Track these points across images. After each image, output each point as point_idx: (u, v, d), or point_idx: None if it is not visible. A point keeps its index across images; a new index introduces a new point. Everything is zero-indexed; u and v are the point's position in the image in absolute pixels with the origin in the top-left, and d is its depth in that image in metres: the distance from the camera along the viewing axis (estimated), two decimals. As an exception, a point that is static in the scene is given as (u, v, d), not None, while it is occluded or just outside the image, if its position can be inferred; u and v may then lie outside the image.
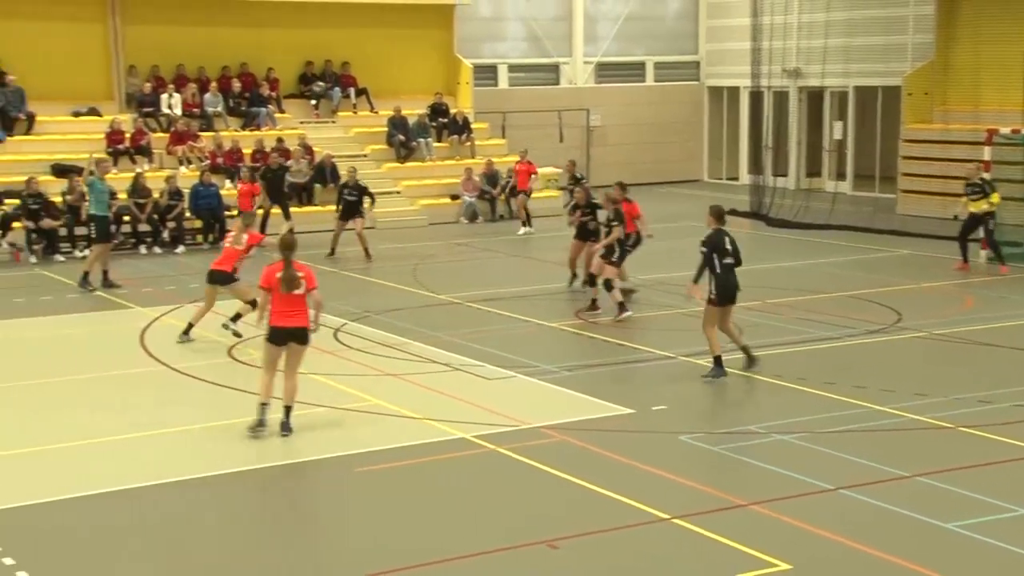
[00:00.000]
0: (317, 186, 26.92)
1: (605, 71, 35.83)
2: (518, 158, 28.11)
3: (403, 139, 29.34)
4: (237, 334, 15.39)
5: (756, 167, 30.72)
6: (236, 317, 15.47)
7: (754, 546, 8.87)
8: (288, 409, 11.58)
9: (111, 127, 26.43)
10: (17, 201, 23.06)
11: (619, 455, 11.15)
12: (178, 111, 27.82)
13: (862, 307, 17.65)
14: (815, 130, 33.97)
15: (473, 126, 30.74)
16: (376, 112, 30.28)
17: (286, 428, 11.55)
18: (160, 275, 21.15)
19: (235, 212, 25.02)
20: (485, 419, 12.16)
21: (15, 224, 22.92)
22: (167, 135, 27.19)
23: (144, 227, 23.99)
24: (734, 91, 35.85)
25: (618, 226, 16.97)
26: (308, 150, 27.44)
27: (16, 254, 22.70)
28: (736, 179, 35.67)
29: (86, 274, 19.43)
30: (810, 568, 8.61)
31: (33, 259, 22.59)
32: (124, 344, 15.83)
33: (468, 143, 30.37)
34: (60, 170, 24.77)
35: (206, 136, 27.39)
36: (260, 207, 23.99)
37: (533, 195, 28.86)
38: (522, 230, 26.20)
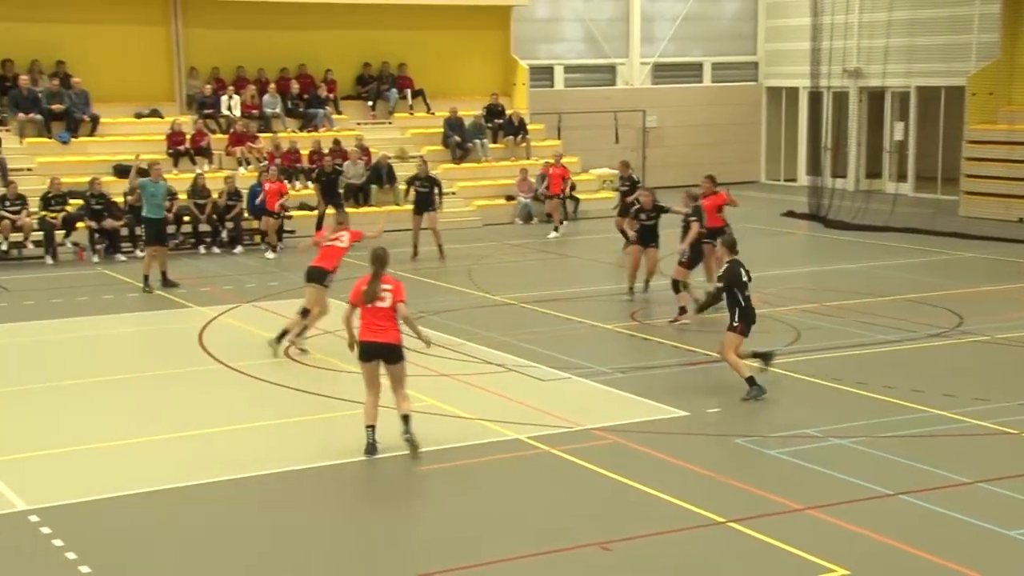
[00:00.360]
0: (373, 187, 27.06)
1: (662, 72, 35.67)
2: (552, 161, 27.74)
3: (459, 140, 29.41)
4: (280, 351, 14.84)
5: (815, 168, 30.45)
6: (283, 335, 14.89)
7: (811, 551, 8.78)
8: (406, 418, 10.95)
9: (172, 128, 26.76)
10: (80, 201, 23.42)
11: (673, 457, 11.09)
12: (237, 112, 28.10)
13: (922, 310, 17.41)
14: (875, 131, 33.58)
15: (529, 127, 30.73)
16: (432, 113, 30.38)
17: (408, 435, 10.91)
18: (218, 275, 21.38)
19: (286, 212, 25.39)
20: (539, 420, 12.14)
21: (79, 224, 23.28)
22: (226, 136, 27.48)
23: (204, 227, 24.26)
24: (793, 92, 35.54)
25: (695, 221, 16.79)
26: (365, 151, 27.60)
27: (80, 253, 23.06)
28: (794, 180, 35.36)
29: (146, 277, 19.64)
30: (868, 574, 8.50)
31: (96, 258, 22.92)
32: (183, 342, 16.00)
33: (523, 144, 30.37)
34: (122, 171, 25.10)
35: (264, 137, 27.64)
36: (315, 208, 24.18)
37: (590, 196, 28.90)
38: (552, 234, 25.88)
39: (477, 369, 14.29)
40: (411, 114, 30.36)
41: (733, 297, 13.07)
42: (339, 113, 29.55)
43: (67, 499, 10.08)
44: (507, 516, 9.79)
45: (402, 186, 25.62)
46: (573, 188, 28.91)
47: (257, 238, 24.46)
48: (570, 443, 11.39)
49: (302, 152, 27.19)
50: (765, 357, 13.69)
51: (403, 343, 11.03)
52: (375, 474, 10.93)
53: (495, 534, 9.41)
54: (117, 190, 23.96)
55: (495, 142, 30.31)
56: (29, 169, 25.41)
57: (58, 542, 9.15)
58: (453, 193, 28.15)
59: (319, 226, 24.52)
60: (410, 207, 23.60)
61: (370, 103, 30.07)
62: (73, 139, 26.49)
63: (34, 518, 9.63)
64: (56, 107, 26.38)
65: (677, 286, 16.63)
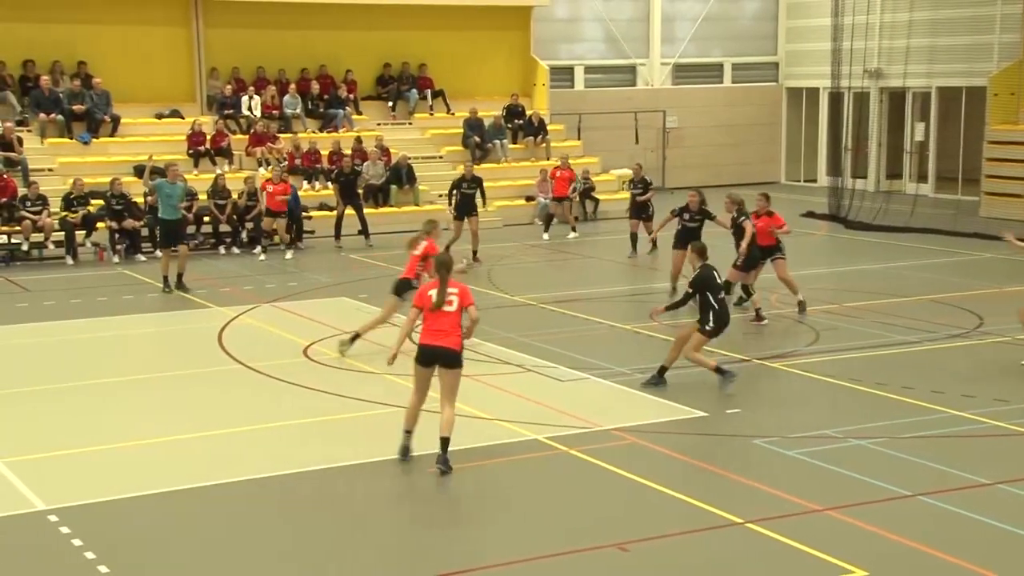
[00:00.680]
0: (393, 187, 27.09)
1: (682, 72, 35.62)
2: (557, 163, 27.62)
3: (478, 140, 29.43)
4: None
5: (835, 169, 30.34)
6: (355, 337, 14.89)
7: (830, 552, 8.75)
8: (445, 441, 10.63)
9: (192, 129, 26.88)
10: (101, 202, 23.53)
11: (692, 458, 11.07)
12: (257, 113, 28.20)
13: (942, 311, 17.34)
14: (896, 131, 33.46)
15: (549, 128, 30.74)
16: (452, 114, 30.42)
17: (442, 462, 10.59)
18: (238, 275, 21.44)
19: (310, 214, 25.47)
20: (557, 420, 12.14)
21: (99, 224, 23.39)
22: (247, 137, 27.57)
23: (225, 227, 24.32)
24: (813, 92, 35.43)
25: (746, 220, 16.60)
26: (384, 152, 27.64)
27: (100, 253, 23.17)
28: (814, 181, 35.26)
29: (165, 278, 19.66)
30: (886, 575, 8.46)
31: (116, 259, 23.02)
32: (202, 343, 16.05)
33: (543, 145, 30.37)
34: (142, 171, 25.18)
35: (285, 138, 27.72)
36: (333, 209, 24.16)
37: (609, 196, 28.89)
38: (571, 235, 25.84)
39: (495, 369, 14.29)
40: (431, 115, 30.41)
41: (706, 300, 13.13)
42: (359, 114, 29.61)
43: (86, 499, 10.12)
44: (525, 517, 9.79)
45: (429, 190, 25.56)
46: (593, 190, 28.88)
47: (276, 238, 24.52)
48: (588, 443, 11.39)
49: (322, 153, 27.25)
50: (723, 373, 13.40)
51: (462, 350, 10.84)
52: (395, 474, 10.93)
53: (512, 535, 9.40)
54: (137, 190, 24.03)
55: (515, 143, 30.32)
56: (50, 169, 25.56)
57: (77, 542, 9.18)
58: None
59: (338, 226, 24.65)
60: (427, 207, 23.51)
61: (390, 104, 30.13)
62: (94, 139, 26.63)
63: (53, 518, 9.67)
64: (77, 108, 26.53)
65: (729, 289, 16.07)
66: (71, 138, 26.49)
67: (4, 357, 15.59)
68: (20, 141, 25.32)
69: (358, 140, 27.33)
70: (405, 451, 10.89)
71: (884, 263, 21.83)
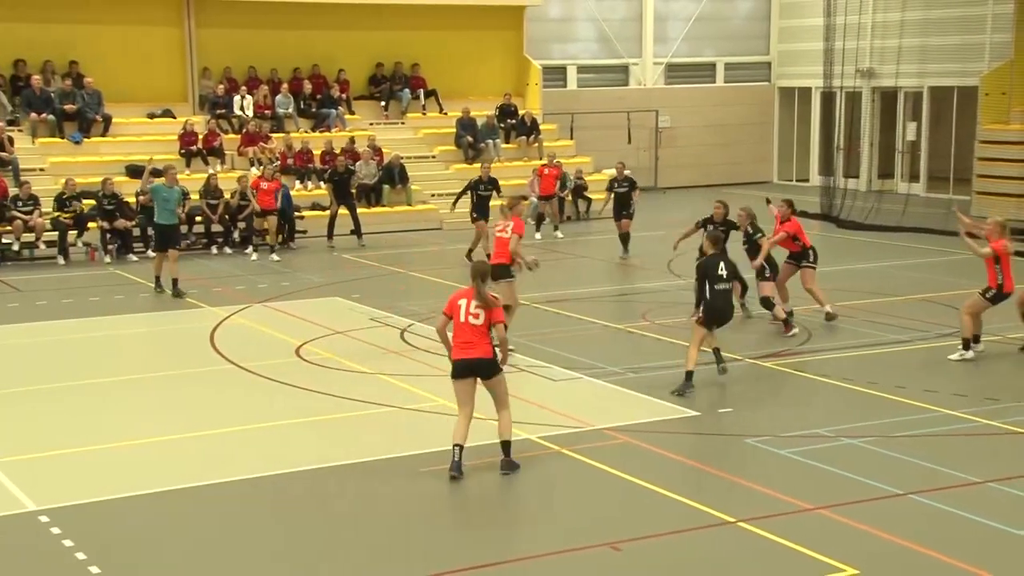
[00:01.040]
0: (385, 187, 27.09)
1: (675, 72, 35.65)
2: (544, 162, 27.59)
3: (471, 140, 29.43)
4: None
5: (827, 168, 30.38)
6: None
7: (821, 551, 8.76)
8: (506, 445, 10.62)
9: (184, 129, 26.85)
10: (93, 202, 23.49)
11: (684, 457, 11.08)
12: (250, 113, 28.17)
13: (934, 310, 17.37)
14: (888, 131, 33.50)
15: (541, 127, 30.74)
16: (445, 113, 30.41)
17: (506, 467, 10.59)
18: (230, 275, 21.42)
19: (303, 214, 25.45)
20: (550, 420, 12.14)
21: (91, 224, 23.35)
22: (239, 136, 27.55)
23: (217, 227, 24.29)
24: (805, 92, 35.48)
25: (763, 237, 16.53)
26: (377, 151, 27.63)
27: (92, 253, 23.13)
28: (806, 180, 35.29)
29: (157, 278, 19.57)
30: (878, 573, 8.48)
31: (107, 259, 22.98)
32: (194, 343, 16.03)
33: (536, 144, 30.38)
34: (134, 171, 25.19)
35: (277, 137, 27.70)
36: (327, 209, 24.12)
37: (602, 196, 28.80)
38: (556, 234, 25.87)
39: (488, 369, 14.24)
40: (424, 114, 30.41)
41: (702, 289, 13.28)
42: (352, 113, 29.60)
43: (77, 499, 10.10)
44: (518, 516, 9.79)
45: (422, 190, 25.53)
46: (585, 189, 28.88)
47: (269, 238, 24.49)
48: (581, 443, 11.39)
49: (314, 152, 27.24)
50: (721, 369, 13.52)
51: (496, 357, 10.65)
52: (387, 474, 10.92)
53: (505, 534, 9.41)
54: (129, 190, 24.03)
55: (508, 142, 30.33)
56: (41, 169, 25.53)
57: (68, 543, 9.16)
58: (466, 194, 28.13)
59: (331, 226, 24.64)
60: (420, 207, 23.49)
61: (383, 103, 30.12)
62: (85, 139, 26.59)
63: (44, 518, 9.65)
64: (69, 107, 26.49)
65: (768, 303, 16.08)
66: (62, 138, 26.45)
67: (-4, 357, 15.57)
68: (11, 141, 25.29)
69: (351, 141, 27.32)
70: (456, 467, 10.53)
71: (876, 262, 21.87)
